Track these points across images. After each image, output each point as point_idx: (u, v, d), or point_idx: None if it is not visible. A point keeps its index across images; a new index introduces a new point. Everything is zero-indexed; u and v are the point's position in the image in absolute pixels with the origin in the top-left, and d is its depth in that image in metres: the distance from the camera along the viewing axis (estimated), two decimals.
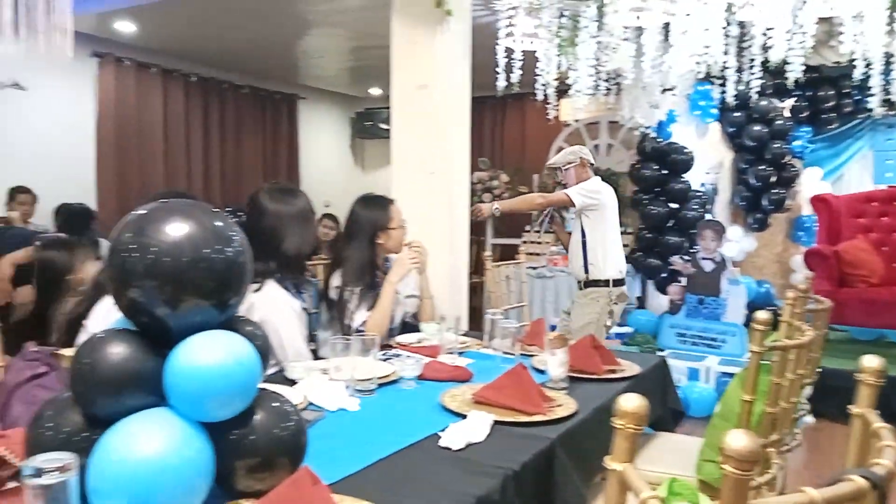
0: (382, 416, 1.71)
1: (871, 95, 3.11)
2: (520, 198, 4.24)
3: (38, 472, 0.87)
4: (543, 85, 3.52)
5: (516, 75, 3.41)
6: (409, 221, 2.73)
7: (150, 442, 1.02)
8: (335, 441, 1.50)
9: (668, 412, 2.42)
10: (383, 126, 8.40)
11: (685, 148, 5.27)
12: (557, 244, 5.29)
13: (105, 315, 1.70)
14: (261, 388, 1.16)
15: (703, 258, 4.70)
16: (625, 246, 5.63)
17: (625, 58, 3.35)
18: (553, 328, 3.33)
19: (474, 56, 3.38)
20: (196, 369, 1.05)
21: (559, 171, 3.67)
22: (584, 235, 3.56)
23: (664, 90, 3.80)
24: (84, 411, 1.09)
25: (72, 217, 4.76)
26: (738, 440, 0.66)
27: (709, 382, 4.30)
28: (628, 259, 5.49)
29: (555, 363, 1.96)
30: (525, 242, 5.74)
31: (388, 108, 8.73)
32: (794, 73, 2.88)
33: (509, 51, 3.46)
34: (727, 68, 3.15)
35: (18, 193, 4.83)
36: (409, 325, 2.75)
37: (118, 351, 1.07)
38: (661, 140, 5.25)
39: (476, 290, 5.93)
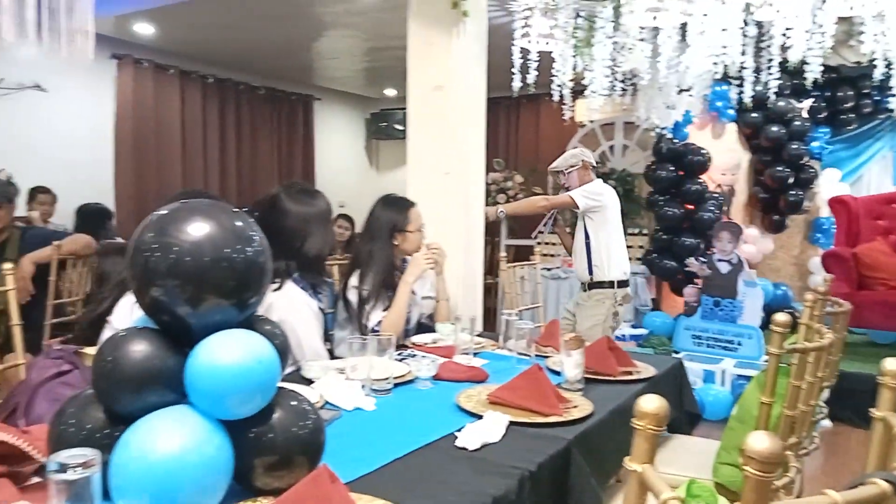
0: (398, 416, 1.71)
1: (892, 96, 3.08)
2: (524, 201, 4.24)
3: (63, 468, 0.89)
4: (559, 86, 3.52)
5: (532, 76, 3.41)
6: (425, 222, 2.73)
7: (170, 439, 1.03)
8: (351, 440, 1.51)
9: (683, 415, 2.40)
10: (398, 127, 8.42)
11: (702, 149, 5.24)
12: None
13: (129, 311, 1.73)
14: (280, 386, 1.17)
15: (720, 260, 4.67)
16: (640, 247, 5.64)
17: (641, 58, 3.33)
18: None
19: (489, 57, 3.38)
20: (216, 367, 1.06)
21: (562, 175, 3.69)
22: (587, 237, 3.57)
23: (680, 91, 3.78)
24: (106, 408, 1.10)
25: (88, 216, 4.82)
26: (761, 441, 0.66)
27: (724, 385, 4.27)
28: (644, 261, 5.49)
29: (570, 364, 1.95)
30: (540, 244, 5.72)
31: (402, 108, 8.72)
32: (813, 73, 2.85)
33: (525, 51, 3.46)
34: (745, 68, 3.13)
35: (38, 193, 4.90)
36: (425, 326, 2.76)
37: (140, 349, 1.08)
38: (677, 141, 5.22)
39: (490, 291, 5.93)
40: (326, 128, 8.54)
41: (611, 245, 3.55)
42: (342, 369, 1.95)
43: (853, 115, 5.99)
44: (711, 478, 1.87)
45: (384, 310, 2.55)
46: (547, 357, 2.32)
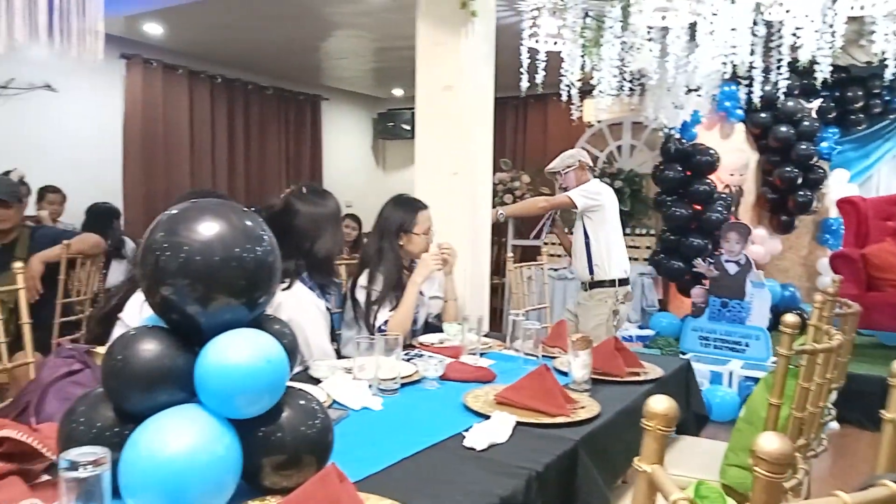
0: (405, 416, 1.72)
1: None
2: (523, 202, 4.26)
3: (74, 466, 0.89)
4: (567, 85, 3.51)
5: (540, 76, 3.41)
6: (434, 226, 2.73)
7: (180, 438, 1.04)
8: (359, 440, 1.51)
9: (691, 416, 2.40)
10: (405, 127, 8.43)
11: (710, 149, 5.22)
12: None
13: (140, 308, 1.74)
14: (288, 386, 1.17)
15: (727, 261, 4.65)
16: (647, 248, 5.63)
17: (649, 58, 3.32)
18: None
19: (496, 56, 3.38)
20: (226, 367, 1.07)
21: (558, 175, 3.72)
22: (587, 237, 3.59)
23: (689, 91, 3.77)
24: (116, 407, 1.11)
25: (96, 216, 4.86)
26: (771, 442, 0.65)
27: (731, 386, 4.25)
28: (651, 261, 5.47)
29: (578, 365, 1.95)
30: (546, 244, 5.72)
31: (410, 108, 8.71)
32: (823, 73, 2.84)
33: (533, 51, 3.45)
34: (754, 68, 3.11)
35: (48, 193, 4.92)
36: (432, 326, 2.76)
37: (150, 348, 1.09)
38: (686, 141, 5.21)
39: (496, 291, 5.92)
40: (334, 128, 8.55)
41: (610, 244, 3.58)
42: (349, 369, 1.96)
43: (863, 116, 5.96)
44: (718, 479, 1.87)
45: (391, 309, 2.55)
46: (554, 358, 2.32)
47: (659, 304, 5.55)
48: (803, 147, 5.47)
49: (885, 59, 2.88)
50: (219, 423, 1.08)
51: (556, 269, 5.39)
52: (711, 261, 4.74)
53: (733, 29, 2.84)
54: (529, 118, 8.20)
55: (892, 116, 5.95)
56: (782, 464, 0.66)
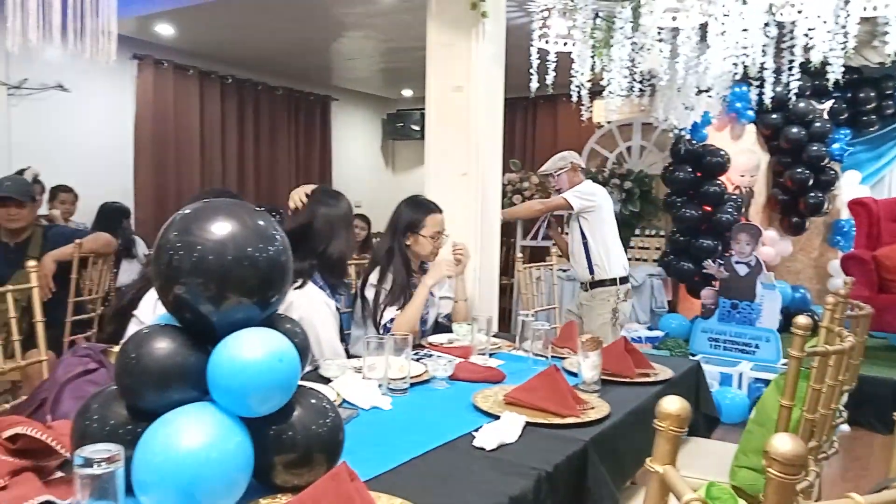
0: (415, 416, 1.72)
1: None
2: (520, 205, 4.29)
3: (88, 463, 0.90)
4: (577, 86, 3.51)
5: (550, 77, 3.40)
6: (445, 227, 2.73)
7: (192, 435, 1.04)
8: (369, 439, 1.52)
9: (701, 417, 2.39)
10: (414, 127, 8.44)
11: (720, 150, 5.20)
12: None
13: (154, 305, 1.76)
14: (300, 384, 1.18)
15: (738, 262, 4.63)
16: (657, 249, 5.62)
17: (660, 59, 3.31)
18: None
19: (506, 57, 3.38)
20: (238, 365, 1.08)
21: (551, 178, 3.75)
22: (584, 238, 3.64)
23: (699, 91, 3.76)
24: (129, 404, 1.12)
25: (106, 215, 4.90)
26: (785, 443, 0.65)
27: (741, 388, 4.24)
28: (660, 262, 5.46)
29: (588, 366, 1.95)
30: (556, 245, 5.71)
31: (419, 109, 8.72)
32: (835, 73, 2.82)
33: (543, 52, 3.45)
34: (765, 69, 3.10)
35: (60, 192, 4.96)
36: (442, 326, 2.76)
37: (163, 346, 1.10)
38: (696, 142, 5.19)
39: (505, 292, 5.92)
40: (344, 128, 8.57)
41: (608, 243, 3.63)
42: (359, 368, 1.96)
43: (875, 117, 5.92)
44: (728, 481, 1.86)
45: (399, 308, 2.56)
46: (563, 358, 2.31)
47: (668, 305, 5.53)
48: (815, 148, 5.44)
49: None
50: (231, 421, 1.09)
51: (565, 270, 5.37)
52: (721, 262, 4.72)
53: (745, 30, 2.83)
54: (539, 119, 8.20)
55: None
56: (796, 465, 0.66)
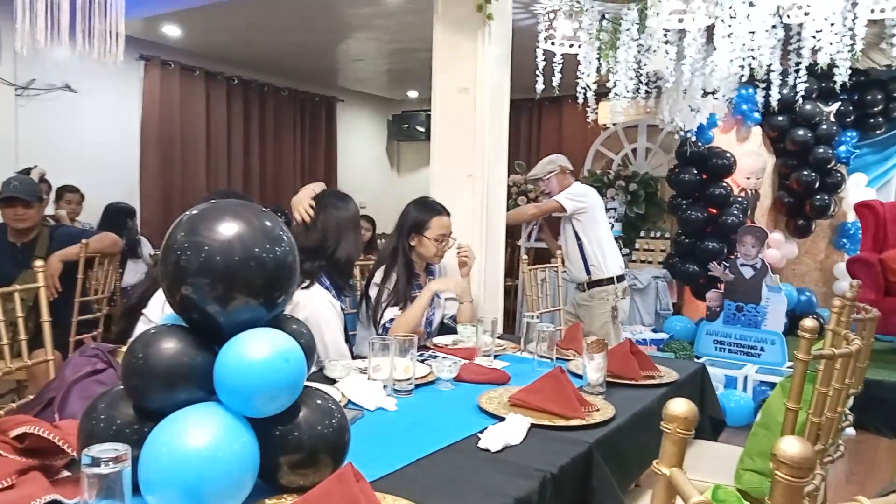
0: (420, 417, 1.72)
1: None
2: (514, 210, 4.30)
3: (96, 462, 0.90)
4: (583, 88, 3.51)
5: (556, 79, 3.40)
6: (451, 230, 2.73)
7: (199, 435, 1.05)
8: (374, 440, 1.52)
9: (706, 420, 2.38)
10: (419, 129, 8.44)
11: (726, 152, 5.19)
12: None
13: (163, 304, 1.77)
14: (306, 385, 1.18)
15: (743, 264, 4.62)
16: (662, 251, 5.60)
17: (665, 61, 3.31)
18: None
19: (512, 59, 3.38)
20: (245, 365, 1.08)
21: (541, 182, 3.79)
22: (578, 239, 3.68)
23: (705, 93, 3.75)
24: (136, 404, 1.12)
25: (111, 215, 4.93)
26: (793, 446, 0.65)
27: (746, 391, 4.22)
28: (665, 264, 5.44)
29: (593, 368, 1.95)
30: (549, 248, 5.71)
31: (424, 110, 8.71)
32: (842, 76, 2.81)
33: (549, 54, 3.45)
34: (772, 71, 3.09)
35: (66, 192, 4.98)
36: (448, 327, 2.77)
37: (170, 346, 1.10)
38: (702, 144, 5.18)
39: (509, 293, 5.92)
40: (349, 129, 8.59)
41: (602, 243, 3.68)
42: (364, 369, 1.97)
43: (882, 119, 5.89)
44: (733, 484, 1.85)
45: (400, 309, 2.56)
46: (568, 360, 2.31)
47: (673, 307, 5.52)
48: (821, 151, 5.42)
49: None
50: (237, 421, 1.09)
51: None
52: (727, 264, 4.71)
53: (751, 32, 2.82)
54: (544, 120, 8.20)
55: None
56: (803, 468, 0.66)
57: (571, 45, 3.49)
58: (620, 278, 3.71)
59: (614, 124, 5.81)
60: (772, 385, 4.05)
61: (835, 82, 2.86)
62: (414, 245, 2.64)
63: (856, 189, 5.91)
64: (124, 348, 1.13)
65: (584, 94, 3.53)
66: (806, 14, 2.73)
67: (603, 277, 3.68)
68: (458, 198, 3.12)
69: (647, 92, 3.69)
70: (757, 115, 5.45)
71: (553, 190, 3.74)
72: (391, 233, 2.75)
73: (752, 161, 5.40)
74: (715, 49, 2.97)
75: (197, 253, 1.08)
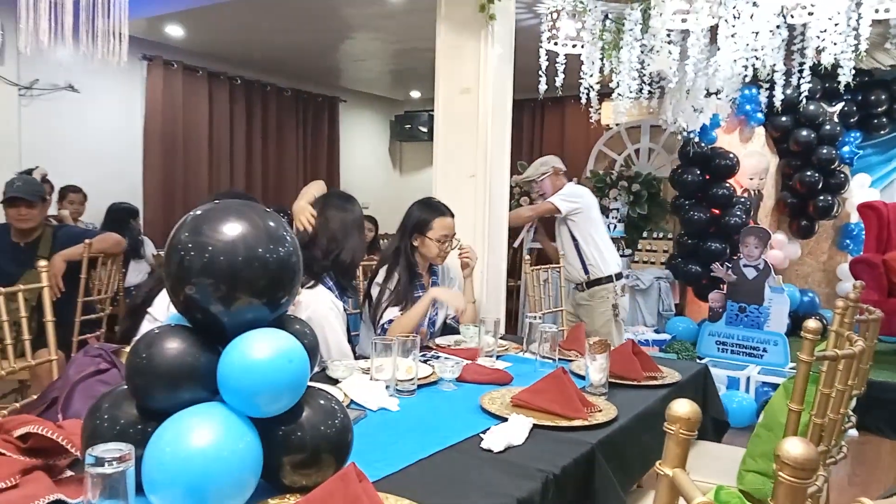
0: (423, 417, 1.72)
1: None
2: (510, 213, 4.30)
3: (99, 462, 0.91)
4: (586, 88, 3.51)
5: (559, 79, 3.40)
6: (455, 231, 2.73)
7: (202, 435, 1.05)
8: (377, 440, 1.52)
9: (709, 421, 2.38)
10: (422, 129, 8.44)
11: (729, 153, 5.18)
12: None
13: (168, 303, 1.77)
14: (309, 385, 1.18)
15: (746, 265, 4.62)
16: (664, 252, 5.60)
17: (668, 61, 3.31)
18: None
19: (514, 58, 3.38)
20: (248, 365, 1.08)
21: (535, 184, 3.80)
22: (574, 239, 3.70)
23: (708, 94, 3.75)
24: (139, 404, 1.12)
25: (114, 215, 4.93)
26: (796, 447, 0.65)
27: (749, 392, 4.22)
28: (668, 265, 5.44)
29: (595, 368, 1.95)
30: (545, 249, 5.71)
31: (427, 111, 8.70)
32: (846, 76, 2.81)
33: (552, 54, 3.45)
34: (775, 71, 3.09)
35: (69, 192, 4.99)
36: (450, 327, 2.77)
37: (173, 346, 1.11)
38: (705, 144, 5.17)
39: (512, 294, 5.92)
40: (351, 129, 8.59)
41: (598, 242, 3.70)
42: (367, 369, 1.97)
43: (885, 120, 5.88)
44: (736, 485, 1.85)
45: (401, 309, 2.55)
46: (570, 361, 2.31)
47: (676, 308, 5.51)
48: (824, 151, 5.41)
49: None
50: (240, 421, 1.10)
51: None
52: (729, 265, 4.70)
53: (755, 32, 2.82)
54: (547, 120, 8.19)
55: None
56: (807, 469, 0.65)
57: (574, 46, 3.49)
58: (619, 276, 3.74)
59: (617, 125, 5.81)
60: (774, 386, 4.04)
61: (839, 82, 2.86)
62: (416, 245, 2.64)
63: (859, 190, 5.90)
64: (128, 348, 1.13)
65: (587, 94, 3.52)
66: (810, 14, 2.72)
67: (601, 276, 3.69)
68: (460, 198, 3.12)
69: (650, 92, 3.68)
70: (760, 115, 5.45)
71: (547, 191, 3.75)
72: (395, 233, 2.75)
73: (755, 161, 5.39)
74: (718, 49, 2.97)
75: (201, 253, 1.08)
